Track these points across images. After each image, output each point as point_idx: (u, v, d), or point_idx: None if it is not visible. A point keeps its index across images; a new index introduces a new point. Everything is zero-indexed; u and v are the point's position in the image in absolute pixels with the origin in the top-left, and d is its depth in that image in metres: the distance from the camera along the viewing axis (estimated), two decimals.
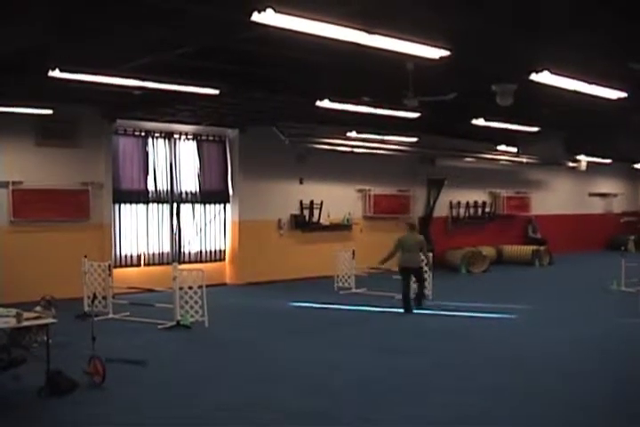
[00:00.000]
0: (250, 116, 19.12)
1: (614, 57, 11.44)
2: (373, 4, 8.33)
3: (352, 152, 21.81)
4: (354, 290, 18.76)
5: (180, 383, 9.85)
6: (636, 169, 35.77)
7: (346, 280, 19.20)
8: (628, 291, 19.01)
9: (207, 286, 14.16)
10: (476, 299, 17.62)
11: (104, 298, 14.82)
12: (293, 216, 21.93)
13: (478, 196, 28.16)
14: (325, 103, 14.63)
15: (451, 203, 26.88)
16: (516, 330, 14.05)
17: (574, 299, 18.32)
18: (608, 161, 32.05)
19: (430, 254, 16.80)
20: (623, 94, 13.10)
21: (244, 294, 18.95)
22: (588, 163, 31.07)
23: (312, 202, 22.17)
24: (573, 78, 11.72)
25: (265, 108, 17.67)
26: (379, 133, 21.19)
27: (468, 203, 27.64)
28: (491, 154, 26.20)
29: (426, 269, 16.66)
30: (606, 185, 35.99)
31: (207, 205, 20.74)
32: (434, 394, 9.27)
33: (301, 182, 22.12)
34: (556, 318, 15.27)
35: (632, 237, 33.32)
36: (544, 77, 11.30)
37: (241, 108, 17.66)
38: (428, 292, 17.00)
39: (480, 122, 17.97)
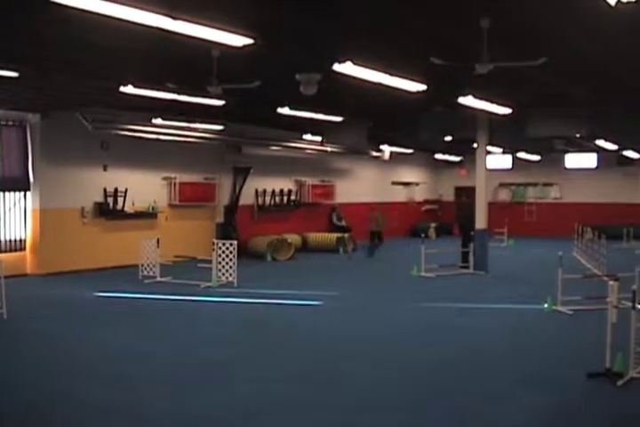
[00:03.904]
0: (52, 101, 18.49)
1: (416, 51, 11.79)
2: None
3: (158, 139, 21.56)
4: (159, 279, 18.54)
5: None
6: (437, 159, 37.19)
7: (151, 269, 18.96)
8: (428, 276, 19.76)
9: (6, 277, 13.67)
10: (281, 286, 17.83)
11: None
12: (97, 204, 21.41)
13: (284, 184, 28.48)
14: (129, 89, 14.37)
15: (257, 191, 27.04)
16: (320, 316, 14.32)
17: (376, 285, 18.85)
18: (410, 151, 33.15)
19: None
20: (423, 87, 13.51)
21: (47, 285, 18.38)
22: (391, 152, 32.03)
23: (116, 189, 21.73)
24: (375, 70, 11.97)
25: (67, 93, 17.12)
26: (185, 121, 21.06)
27: (274, 191, 27.88)
28: (296, 142, 26.57)
29: None
30: (409, 174, 37.25)
31: (6, 193, 19.89)
32: (241, 383, 9.28)
33: (105, 169, 21.61)
34: (359, 304, 15.67)
35: (433, 225, 34.67)
36: (347, 68, 11.49)
37: (43, 93, 17.03)
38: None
39: (285, 111, 18.14)
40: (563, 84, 15.88)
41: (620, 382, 8.96)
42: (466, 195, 26.36)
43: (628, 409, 8.31)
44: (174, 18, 8.39)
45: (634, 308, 9.16)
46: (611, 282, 9.43)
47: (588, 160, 35.41)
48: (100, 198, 21.48)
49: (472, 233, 21.37)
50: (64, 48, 12.13)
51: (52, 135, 19.93)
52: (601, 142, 26.60)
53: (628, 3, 7.75)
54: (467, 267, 20.96)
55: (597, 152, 33.54)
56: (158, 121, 20.57)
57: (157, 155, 22.69)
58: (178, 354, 10.89)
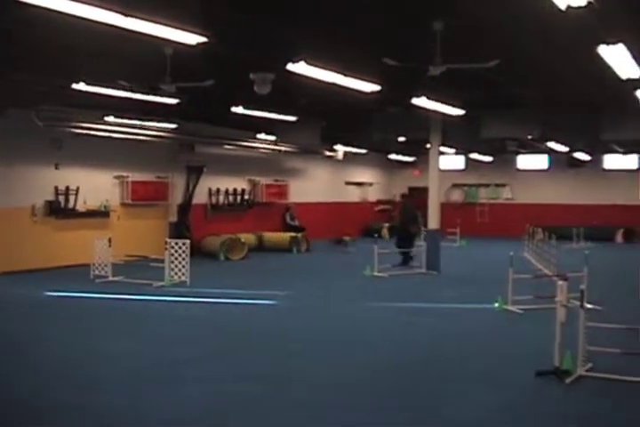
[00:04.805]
0: (2, 99, 18.27)
1: (370, 52, 11.84)
2: None
3: (110, 137, 21.39)
4: (111, 278, 18.36)
5: None
6: (391, 159, 37.33)
7: (102, 268, 18.77)
8: (381, 276, 19.84)
9: None
10: (234, 285, 17.79)
11: None
12: (48, 202, 21.18)
13: (238, 183, 28.41)
14: (81, 86, 14.26)
15: (210, 190, 26.94)
16: (273, 316, 14.32)
17: (329, 284, 18.85)
18: (364, 151, 33.25)
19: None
20: (377, 87, 13.58)
21: None
22: (345, 152, 32.10)
23: (68, 188, 21.52)
24: (329, 70, 12.01)
25: (19, 91, 16.92)
26: (138, 119, 20.93)
27: (227, 190, 27.80)
28: (250, 142, 26.51)
29: None
30: (362, 174, 37.33)
31: None
32: (196, 383, 9.19)
33: (57, 168, 21.37)
34: (312, 303, 15.66)
35: (386, 225, 34.70)
36: (300, 68, 11.52)
37: None
38: None
39: (239, 110, 18.12)
40: (515, 86, 16.05)
41: (568, 380, 9.08)
42: (404, 195, 26.42)
43: (576, 406, 8.42)
44: (126, 15, 8.34)
45: (582, 307, 9.29)
46: (560, 282, 9.54)
47: (539, 161, 35.94)
48: (51, 197, 21.25)
49: (410, 234, 21.91)
50: (15, 45, 12.01)
51: (2, 133, 19.66)
52: (552, 144, 26.93)
53: (578, 7, 7.86)
54: (412, 266, 21.34)
55: (548, 154, 33.96)
56: (111, 119, 20.43)
57: (110, 153, 22.49)
58: (130, 354, 10.78)
